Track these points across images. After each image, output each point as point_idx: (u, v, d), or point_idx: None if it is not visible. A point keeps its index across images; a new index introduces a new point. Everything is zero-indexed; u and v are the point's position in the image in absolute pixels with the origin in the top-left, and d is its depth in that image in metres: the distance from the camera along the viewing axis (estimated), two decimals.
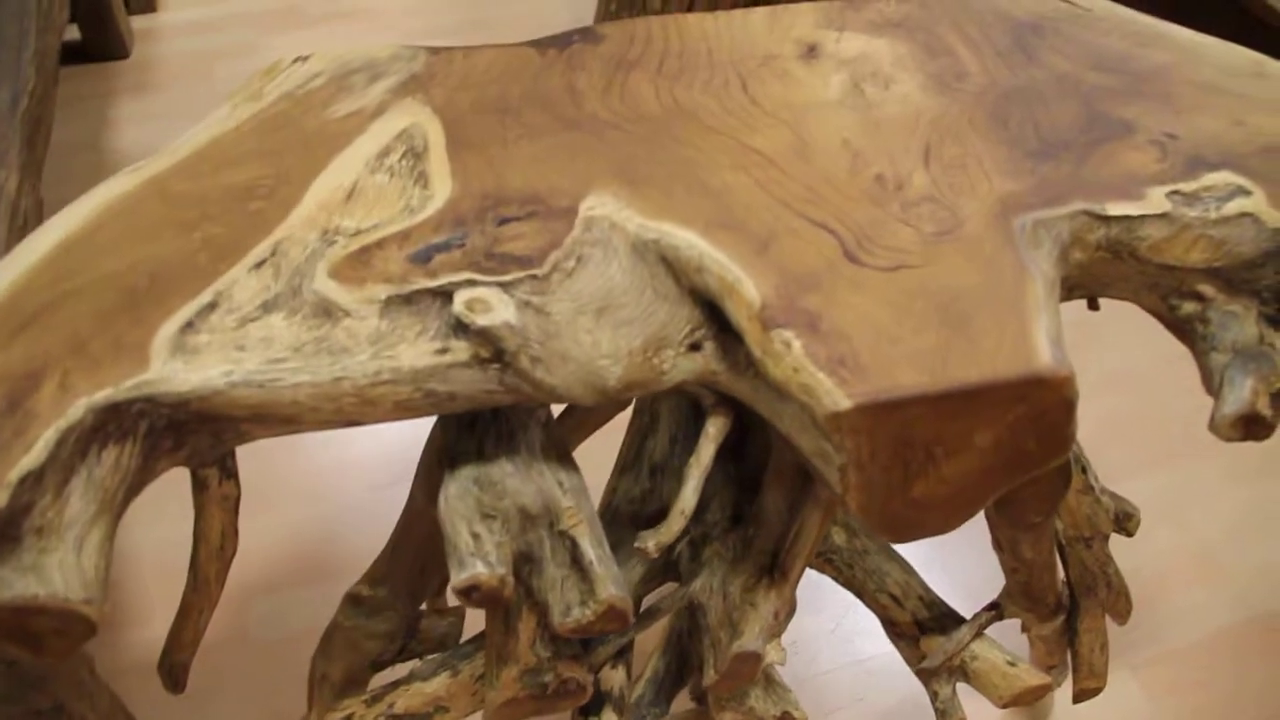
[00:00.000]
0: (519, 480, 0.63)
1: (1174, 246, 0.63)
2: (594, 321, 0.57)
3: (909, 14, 0.73)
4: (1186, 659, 1.27)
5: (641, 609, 0.77)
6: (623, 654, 0.80)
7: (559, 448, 0.65)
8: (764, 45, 0.70)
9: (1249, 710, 1.24)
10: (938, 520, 0.62)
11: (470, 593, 0.57)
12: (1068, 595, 0.91)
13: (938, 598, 0.86)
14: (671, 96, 0.66)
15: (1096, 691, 1.02)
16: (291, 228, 0.58)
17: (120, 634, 1.16)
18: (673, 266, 0.58)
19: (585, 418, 0.77)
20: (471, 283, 0.56)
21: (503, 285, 0.56)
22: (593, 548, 0.62)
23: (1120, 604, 0.94)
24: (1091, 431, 1.52)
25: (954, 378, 0.53)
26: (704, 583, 0.75)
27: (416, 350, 0.55)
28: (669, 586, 0.82)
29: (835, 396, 0.52)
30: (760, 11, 0.72)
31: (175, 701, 1.08)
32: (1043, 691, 0.85)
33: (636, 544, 0.64)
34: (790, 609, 0.73)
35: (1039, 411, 0.55)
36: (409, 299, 0.55)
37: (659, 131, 0.63)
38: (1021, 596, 0.84)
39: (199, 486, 0.61)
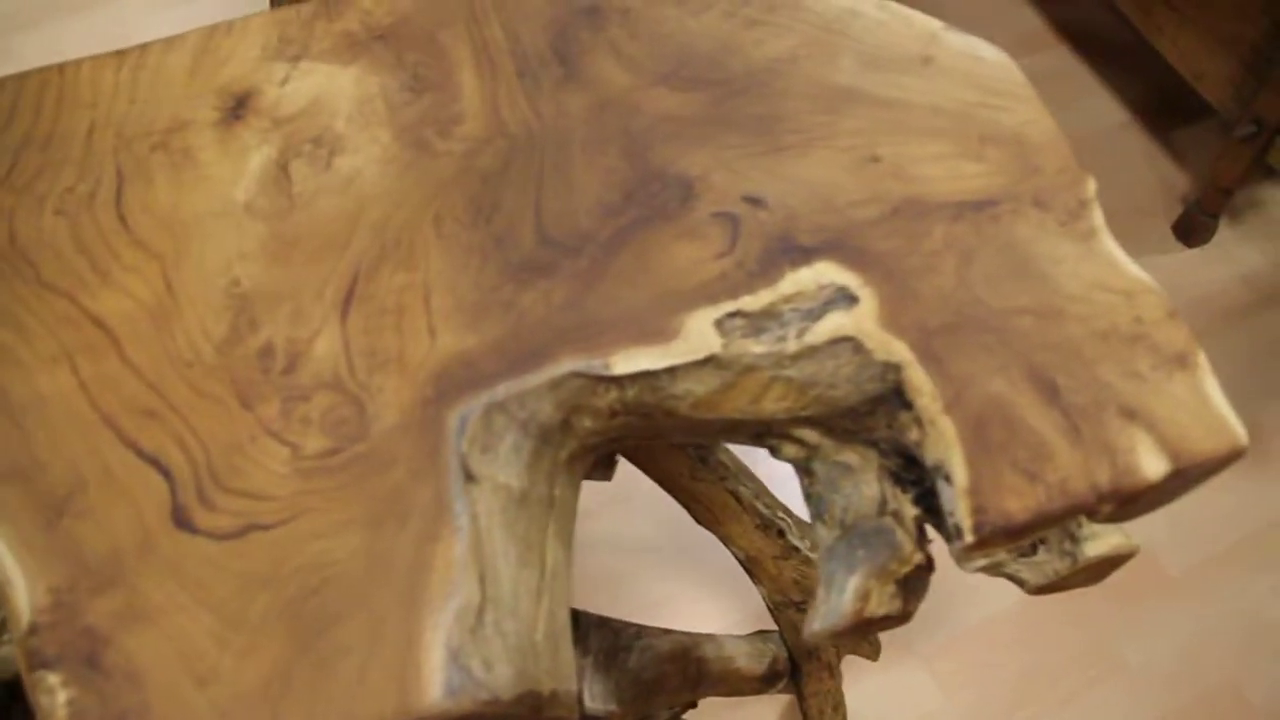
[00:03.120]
0: None
1: (732, 399, 0.43)
2: None
3: (407, 14, 0.50)
4: (980, 639, 1.12)
5: None
6: None
7: None
8: (175, 105, 0.48)
9: (1047, 689, 1.09)
10: None
11: None
12: (786, 659, 0.76)
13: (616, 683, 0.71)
14: (9, 229, 0.46)
15: None
16: None
17: None
18: None
19: None
20: None
21: None
22: None
23: (863, 649, 0.79)
24: None
25: None
26: None
27: None
28: None
29: None
30: (192, 38, 0.50)
31: None
32: None
33: None
34: None
35: None
36: None
37: None
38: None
39: None
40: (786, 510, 0.69)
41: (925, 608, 1.13)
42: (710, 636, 0.62)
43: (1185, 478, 0.41)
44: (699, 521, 0.68)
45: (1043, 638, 1.12)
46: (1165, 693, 1.09)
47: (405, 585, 0.37)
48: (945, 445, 0.40)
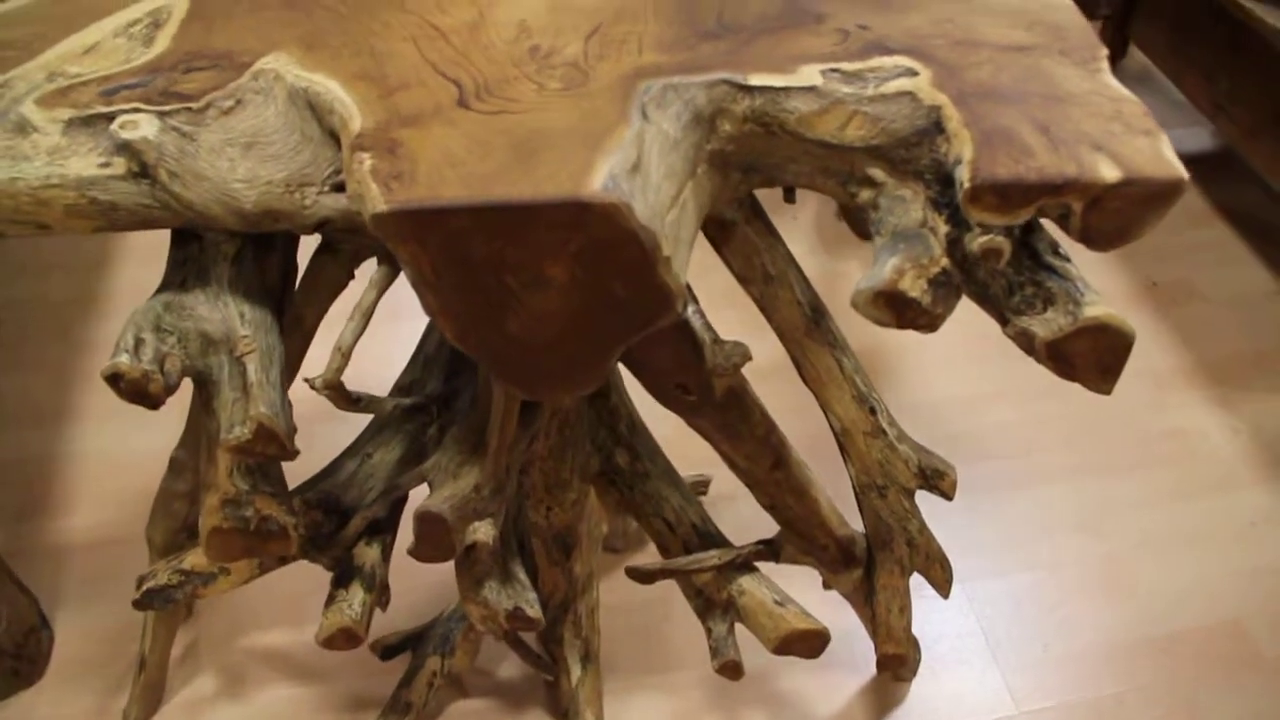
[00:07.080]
0: (206, 308, 0.70)
1: (826, 121, 0.63)
2: (241, 153, 0.64)
3: None
4: (1065, 669, 1.19)
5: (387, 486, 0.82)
6: (379, 533, 0.84)
7: (249, 284, 0.71)
8: None
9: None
10: (558, 366, 0.64)
11: (117, 381, 0.65)
12: (864, 548, 0.86)
13: (714, 529, 0.84)
14: None
15: (898, 660, 0.93)
16: (27, 70, 0.69)
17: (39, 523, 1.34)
18: (317, 111, 0.65)
19: (320, 286, 0.83)
20: (137, 111, 0.64)
21: (161, 114, 0.64)
22: (257, 372, 0.69)
23: (935, 571, 0.88)
24: (1025, 434, 1.50)
25: (492, 194, 0.56)
26: (436, 461, 0.78)
27: (84, 162, 0.64)
28: None
29: (376, 202, 0.56)
30: None
31: (98, 585, 1.21)
32: (816, 640, 0.81)
33: (305, 378, 0.69)
34: (498, 486, 0.75)
35: (603, 244, 0.57)
36: (87, 121, 0.64)
37: (361, 10, 0.71)
38: (791, 532, 0.81)
39: None
40: (879, 395, 0.83)
41: (1026, 630, 1.19)
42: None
43: (1136, 190, 0.57)
44: (806, 381, 0.81)
45: (1127, 674, 1.17)
46: None
47: (591, 143, 0.58)
48: (963, 144, 0.59)
